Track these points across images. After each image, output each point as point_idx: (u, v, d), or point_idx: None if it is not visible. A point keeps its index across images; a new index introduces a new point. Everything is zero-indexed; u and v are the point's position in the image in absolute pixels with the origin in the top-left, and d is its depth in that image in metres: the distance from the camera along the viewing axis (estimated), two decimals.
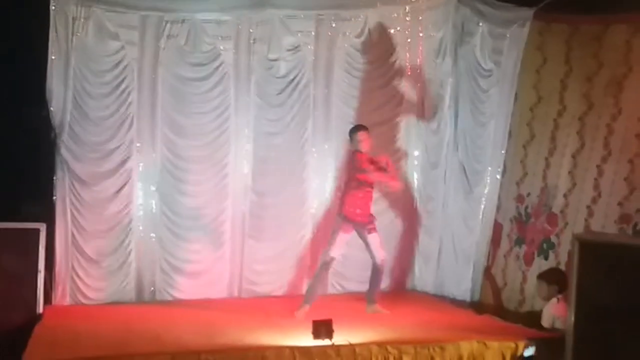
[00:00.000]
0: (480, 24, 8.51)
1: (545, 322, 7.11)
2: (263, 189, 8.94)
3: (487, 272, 8.25)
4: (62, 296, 8.36)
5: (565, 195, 7.40)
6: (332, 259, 8.01)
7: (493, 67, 8.32)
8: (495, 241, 8.21)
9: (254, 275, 8.97)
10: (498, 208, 8.20)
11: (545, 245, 7.62)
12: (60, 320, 7.46)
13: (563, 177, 7.45)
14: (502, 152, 8.10)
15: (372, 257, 8.05)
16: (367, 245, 8.04)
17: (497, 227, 8.19)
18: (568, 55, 7.53)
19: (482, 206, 8.39)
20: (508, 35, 8.12)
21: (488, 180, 8.35)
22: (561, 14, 7.58)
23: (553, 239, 7.54)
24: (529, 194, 7.83)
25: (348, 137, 8.16)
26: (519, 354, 6.58)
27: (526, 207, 7.84)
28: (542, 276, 7.32)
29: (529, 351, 6.55)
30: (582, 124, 7.31)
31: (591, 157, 7.21)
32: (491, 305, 8.13)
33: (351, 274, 9.16)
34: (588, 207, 7.15)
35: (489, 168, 8.31)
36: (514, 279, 7.99)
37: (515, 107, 8.02)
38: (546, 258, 7.55)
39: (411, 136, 9.38)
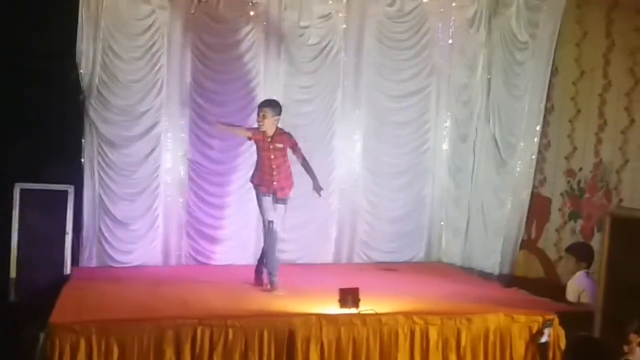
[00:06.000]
0: None
1: (570, 295, 7.09)
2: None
3: (532, 246, 8.14)
4: (90, 258, 8.41)
5: (617, 172, 7.30)
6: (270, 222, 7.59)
7: (529, 40, 8.19)
8: (540, 215, 8.08)
9: (281, 243, 8.88)
10: (542, 182, 8.08)
11: None
12: (88, 281, 7.46)
13: (616, 153, 7.34)
14: (538, 125, 7.98)
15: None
16: None
17: (543, 201, 8.05)
18: (609, 29, 7.40)
19: (516, 179, 8.29)
20: (544, 7, 7.98)
21: (522, 154, 8.25)
22: None
23: None
24: (580, 169, 7.71)
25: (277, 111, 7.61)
26: (535, 340, 6.53)
27: (579, 182, 7.73)
28: (571, 250, 7.29)
29: (545, 337, 6.50)
30: (629, 100, 7.19)
31: None
32: (543, 280, 7.96)
33: (376, 244, 9.20)
34: None
35: (522, 142, 8.21)
36: None
37: (556, 81, 7.89)
38: None
39: (441, 107, 9.30)
